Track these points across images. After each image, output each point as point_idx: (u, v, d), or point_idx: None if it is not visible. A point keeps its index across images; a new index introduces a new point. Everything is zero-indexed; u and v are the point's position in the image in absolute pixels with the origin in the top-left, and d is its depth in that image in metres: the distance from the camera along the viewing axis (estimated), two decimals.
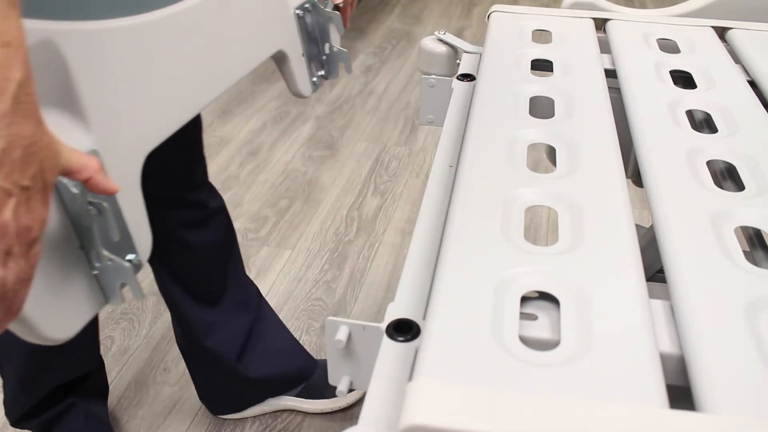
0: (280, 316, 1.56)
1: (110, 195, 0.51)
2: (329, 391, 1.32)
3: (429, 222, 0.61)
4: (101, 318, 1.56)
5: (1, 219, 0.42)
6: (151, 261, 1.14)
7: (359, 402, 1.36)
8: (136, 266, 0.57)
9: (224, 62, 0.70)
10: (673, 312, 0.47)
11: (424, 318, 0.49)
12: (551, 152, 0.66)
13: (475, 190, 0.57)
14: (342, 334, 0.51)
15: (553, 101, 0.72)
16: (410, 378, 0.42)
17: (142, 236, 0.58)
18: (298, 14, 0.85)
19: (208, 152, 2.23)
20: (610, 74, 0.81)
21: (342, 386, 0.53)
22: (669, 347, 0.45)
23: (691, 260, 0.50)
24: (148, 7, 0.59)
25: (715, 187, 0.58)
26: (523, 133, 0.66)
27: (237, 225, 1.88)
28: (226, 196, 2.00)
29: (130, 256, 0.56)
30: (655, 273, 0.77)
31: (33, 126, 0.42)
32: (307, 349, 1.48)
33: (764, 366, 0.41)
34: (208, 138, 2.30)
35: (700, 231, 0.53)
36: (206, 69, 0.67)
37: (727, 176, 0.72)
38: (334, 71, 0.95)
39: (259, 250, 1.77)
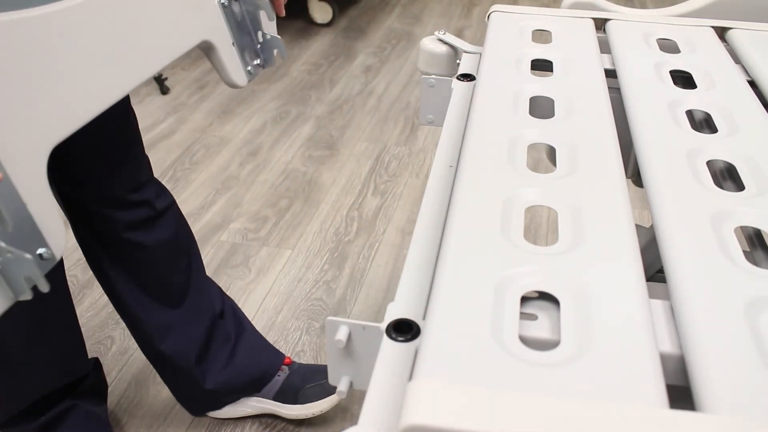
0: (280, 316, 1.56)
1: None
2: (303, 395, 1.30)
3: (429, 222, 0.61)
4: (101, 318, 1.56)
5: None
6: (107, 267, 1.13)
7: (356, 403, 1.36)
8: (48, 260, 0.57)
9: (137, 54, 0.70)
10: (673, 312, 0.47)
11: (424, 318, 0.49)
12: (551, 152, 0.66)
13: (475, 190, 0.57)
14: (342, 334, 0.51)
15: (553, 101, 0.72)
16: (410, 378, 0.42)
17: (53, 230, 0.58)
18: (223, 3, 0.85)
19: (208, 152, 2.23)
20: (610, 74, 0.81)
21: (342, 386, 0.53)
22: (669, 347, 0.45)
23: (691, 260, 0.50)
24: (40, 1, 0.58)
25: (715, 187, 0.58)
26: (523, 133, 0.66)
27: (237, 225, 1.88)
28: (226, 196, 2.00)
29: (40, 250, 0.56)
30: (655, 273, 0.77)
31: None
32: (307, 349, 1.48)
33: (764, 366, 0.41)
34: (208, 138, 2.30)
35: (700, 231, 0.53)
36: (116, 61, 0.67)
37: (727, 176, 0.72)
38: (270, 59, 0.94)
39: (259, 250, 1.77)
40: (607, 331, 0.43)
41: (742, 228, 0.63)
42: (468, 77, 0.89)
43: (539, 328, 0.45)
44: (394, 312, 0.50)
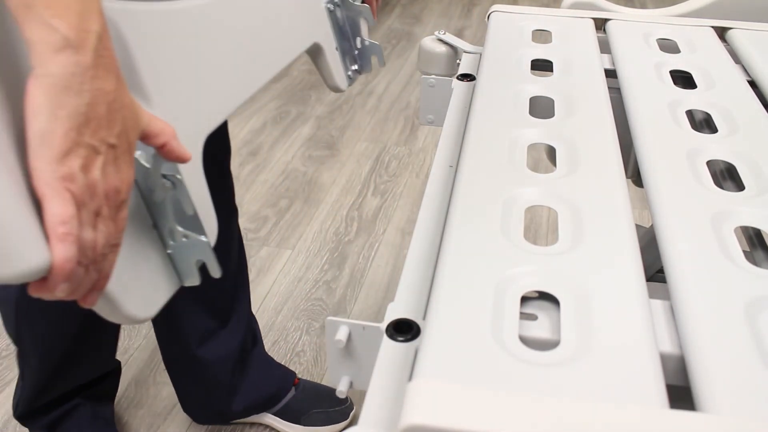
0: (280, 316, 1.56)
1: (184, 162, 0.49)
2: (306, 418, 1.30)
3: (429, 222, 0.61)
4: None
5: (90, 177, 0.40)
6: None
7: (356, 403, 1.36)
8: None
9: (268, 50, 0.71)
10: (673, 312, 0.47)
11: (424, 318, 0.49)
12: (551, 152, 0.66)
13: (475, 190, 0.57)
14: (342, 334, 0.51)
15: (553, 101, 0.72)
16: (410, 378, 0.42)
17: (209, 219, 0.56)
18: (328, 8, 0.86)
19: None
20: (610, 74, 0.81)
21: (342, 386, 0.53)
22: (669, 347, 0.45)
23: (691, 260, 0.50)
24: None
25: (715, 187, 0.58)
26: (523, 133, 0.66)
27: None
28: None
29: (201, 238, 0.54)
30: (655, 273, 0.77)
31: (114, 81, 0.41)
32: (307, 350, 1.48)
33: (764, 366, 0.41)
34: None
35: (700, 231, 0.53)
36: (252, 55, 0.68)
37: (727, 176, 0.72)
38: (367, 65, 0.95)
39: (259, 250, 1.77)
40: (607, 331, 0.43)
41: (742, 228, 0.63)
42: (468, 77, 0.89)
43: (539, 328, 0.45)
44: (394, 312, 0.50)
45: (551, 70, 0.80)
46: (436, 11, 3.50)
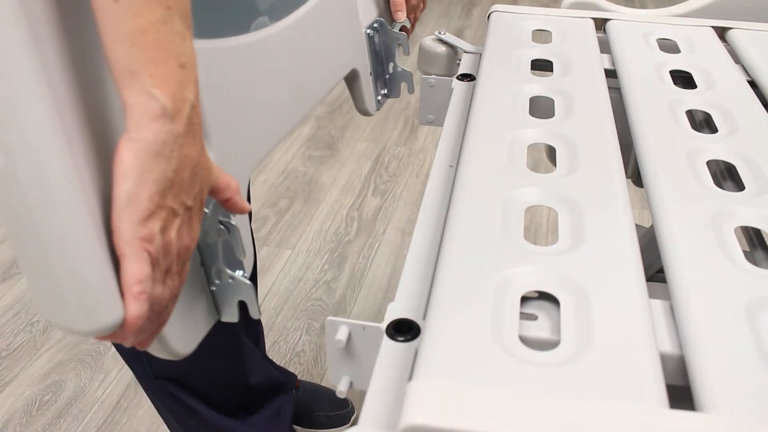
0: (280, 316, 1.56)
1: (243, 214, 0.51)
2: (308, 421, 1.30)
3: (429, 222, 0.61)
4: None
5: (166, 238, 0.42)
6: None
7: (357, 403, 1.36)
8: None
9: (311, 80, 0.72)
10: (673, 312, 0.47)
11: (424, 318, 0.49)
12: (551, 152, 0.66)
13: (475, 190, 0.57)
14: (342, 334, 0.51)
15: (553, 101, 0.72)
16: (410, 378, 0.42)
17: (248, 254, 0.57)
18: (368, 33, 0.86)
19: None
20: (610, 74, 0.81)
21: (342, 386, 0.53)
22: (669, 347, 0.45)
23: (691, 260, 0.50)
24: (256, 27, 0.61)
25: (715, 187, 0.58)
26: (523, 133, 0.66)
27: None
28: None
29: (238, 272, 0.55)
30: (655, 273, 0.77)
31: (199, 147, 0.43)
32: (307, 350, 1.48)
33: (764, 366, 0.41)
34: None
35: (700, 231, 0.53)
36: (297, 87, 0.68)
37: (727, 176, 0.72)
38: (395, 91, 0.95)
39: (259, 250, 1.77)
40: (607, 331, 0.43)
41: (742, 228, 0.63)
42: (468, 77, 0.89)
43: (539, 328, 0.45)
44: (394, 312, 0.50)
45: (551, 70, 0.80)
46: (436, 11, 3.50)
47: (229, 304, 0.54)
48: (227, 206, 0.49)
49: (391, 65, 0.93)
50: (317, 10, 0.71)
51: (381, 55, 0.91)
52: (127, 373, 1.42)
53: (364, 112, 0.90)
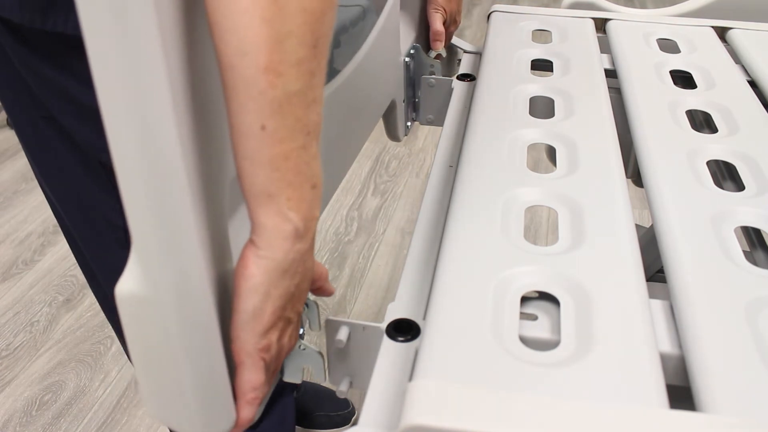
0: None
1: (328, 296, 0.52)
2: (309, 421, 1.30)
3: (429, 222, 0.61)
4: (101, 318, 1.56)
5: (280, 345, 0.44)
6: None
7: (357, 403, 1.36)
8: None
9: (363, 122, 0.72)
10: (673, 312, 0.47)
11: (424, 318, 0.49)
12: (551, 152, 0.66)
13: (475, 190, 0.57)
14: (342, 334, 0.51)
15: (553, 101, 0.72)
16: (410, 378, 0.42)
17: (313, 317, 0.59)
18: (405, 61, 0.86)
19: None
20: (610, 74, 0.81)
21: (342, 386, 0.53)
22: (669, 347, 0.45)
23: (691, 260, 0.49)
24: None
25: (715, 187, 0.58)
26: (523, 133, 0.66)
27: None
28: None
29: (316, 350, 0.56)
30: (655, 273, 0.77)
31: (313, 258, 0.44)
32: None
33: (764, 366, 0.41)
34: None
35: (700, 231, 0.53)
36: (352, 131, 0.69)
37: (727, 176, 0.72)
38: (421, 115, 0.95)
39: None
40: (607, 331, 0.43)
41: (742, 228, 0.63)
42: (468, 77, 0.89)
43: (539, 328, 0.45)
44: (395, 312, 0.50)
45: (551, 70, 0.80)
46: None
47: (295, 368, 0.54)
48: (317, 292, 0.51)
49: (419, 91, 0.92)
50: (370, 56, 0.70)
51: (414, 80, 0.90)
52: (127, 373, 1.42)
53: (395, 139, 0.90)
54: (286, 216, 0.40)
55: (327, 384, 1.36)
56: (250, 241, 0.41)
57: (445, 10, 0.91)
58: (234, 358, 0.43)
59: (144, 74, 0.32)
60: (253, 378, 0.43)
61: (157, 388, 0.41)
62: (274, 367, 0.45)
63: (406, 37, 0.86)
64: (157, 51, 0.32)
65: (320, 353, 0.54)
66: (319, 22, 0.37)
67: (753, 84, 0.78)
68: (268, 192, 0.39)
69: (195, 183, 0.37)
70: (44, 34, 0.57)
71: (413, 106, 0.93)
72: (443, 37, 0.92)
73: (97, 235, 0.75)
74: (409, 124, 0.92)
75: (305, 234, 0.41)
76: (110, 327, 1.53)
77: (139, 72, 0.32)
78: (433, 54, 0.92)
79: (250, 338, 0.42)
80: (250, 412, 0.44)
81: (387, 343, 0.47)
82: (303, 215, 0.40)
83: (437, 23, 0.91)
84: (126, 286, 0.38)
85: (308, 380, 1.36)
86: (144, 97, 0.32)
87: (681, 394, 0.41)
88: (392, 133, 0.89)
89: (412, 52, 0.87)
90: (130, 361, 0.97)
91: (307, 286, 0.45)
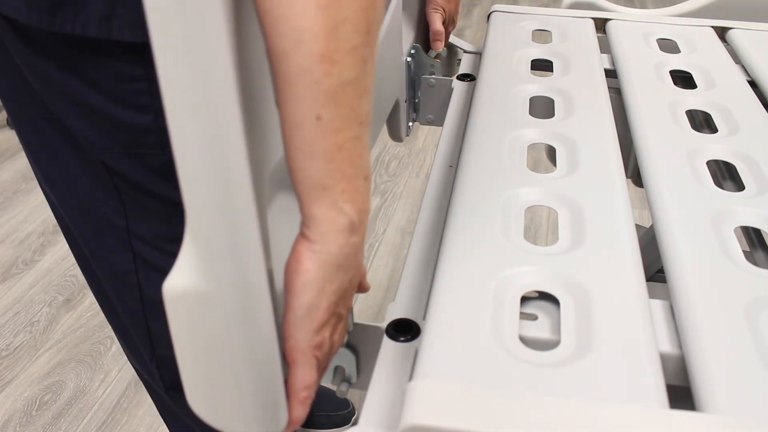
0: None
1: (364, 293, 0.52)
2: (309, 421, 1.30)
3: (429, 222, 0.61)
4: (101, 318, 1.56)
5: (332, 341, 0.43)
6: None
7: (357, 403, 1.36)
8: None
9: (371, 125, 0.72)
10: (673, 312, 0.47)
11: (424, 318, 0.49)
12: (551, 152, 0.66)
13: (475, 190, 0.57)
14: None
15: (553, 101, 0.72)
16: (410, 378, 0.42)
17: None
18: (407, 61, 0.85)
19: None
20: (610, 74, 0.81)
21: (342, 386, 0.53)
22: (669, 347, 0.45)
23: (691, 260, 0.49)
24: None
25: (715, 187, 0.58)
26: (523, 133, 0.66)
27: None
28: None
29: (349, 351, 0.55)
30: (655, 273, 0.77)
31: (363, 253, 0.44)
32: None
33: (764, 366, 0.41)
34: None
35: (700, 231, 0.53)
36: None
37: (727, 176, 0.72)
38: (421, 115, 0.95)
39: None
40: (607, 331, 0.43)
41: (742, 228, 0.63)
42: (468, 77, 0.89)
43: (539, 328, 0.45)
44: (395, 312, 0.50)
45: (551, 70, 0.80)
46: None
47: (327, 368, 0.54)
48: (358, 289, 0.50)
49: (419, 92, 0.92)
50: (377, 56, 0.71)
51: (414, 80, 0.90)
52: (127, 373, 1.42)
53: (397, 139, 0.90)
54: (341, 209, 0.39)
55: (327, 384, 1.37)
56: (303, 235, 0.40)
57: (444, 10, 0.91)
58: (287, 357, 0.42)
59: (210, 69, 0.31)
60: (307, 377, 0.42)
61: (210, 389, 0.40)
62: (325, 365, 0.45)
63: (407, 37, 0.86)
64: (224, 45, 0.31)
65: (353, 355, 0.53)
66: (372, 7, 0.37)
67: (753, 84, 0.78)
68: (323, 184, 0.38)
69: (252, 177, 0.36)
70: (50, 35, 0.57)
71: (414, 107, 0.93)
72: (443, 37, 0.92)
73: (98, 236, 0.75)
74: (410, 124, 0.92)
75: (359, 227, 0.40)
76: (110, 327, 1.53)
77: (205, 66, 0.31)
78: (432, 54, 0.93)
79: (304, 336, 0.41)
80: (302, 412, 0.43)
81: (387, 343, 0.47)
82: (357, 207, 0.40)
83: (437, 23, 0.91)
84: (180, 283, 0.36)
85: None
86: (210, 92, 0.31)
87: (681, 394, 0.41)
88: (395, 134, 0.89)
89: (412, 52, 0.87)
90: (131, 362, 0.98)
91: (357, 282, 0.44)
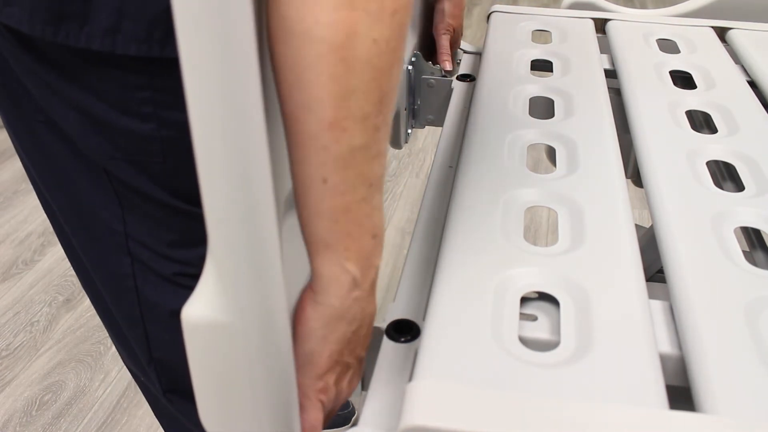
0: None
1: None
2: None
3: (429, 222, 0.61)
4: None
5: (338, 388, 0.45)
6: None
7: (357, 403, 1.36)
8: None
9: None
10: (673, 312, 0.47)
11: (424, 318, 0.49)
12: (551, 152, 0.66)
13: (475, 190, 0.57)
14: None
15: (552, 101, 0.72)
16: (410, 378, 0.42)
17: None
18: (408, 69, 0.85)
19: None
20: (610, 74, 0.81)
21: None
22: (669, 347, 0.45)
23: (691, 260, 0.49)
24: None
25: (715, 187, 0.58)
26: (522, 134, 0.66)
27: None
28: None
29: None
30: (655, 273, 0.77)
31: (375, 304, 0.45)
32: None
33: (764, 366, 0.41)
34: None
35: (700, 231, 0.53)
36: None
37: (727, 176, 0.72)
38: (420, 122, 0.95)
39: None
40: (607, 331, 0.43)
41: (742, 228, 0.63)
42: (468, 77, 0.89)
43: (539, 329, 0.45)
44: (395, 312, 0.50)
45: (551, 70, 0.80)
46: None
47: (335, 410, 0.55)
48: None
49: (418, 99, 0.92)
50: None
51: (414, 88, 0.90)
52: (127, 374, 1.42)
53: (396, 146, 0.90)
54: (344, 266, 0.40)
55: None
56: (309, 287, 0.41)
57: (453, 30, 0.92)
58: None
59: (241, 100, 0.31)
60: (312, 418, 0.44)
61: (226, 416, 0.40)
62: (331, 407, 0.46)
63: (408, 45, 0.86)
64: (254, 74, 0.31)
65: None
66: (386, 77, 0.37)
67: (753, 84, 0.78)
68: (327, 242, 0.39)
69: (276, 208, 0.36)
70: (54, 45, 0.57)
71: (413, 113, 0.93)
72: (451, 57, 0.93)
73: (97, 240, 0.75)
74: (409, 131, 0.92)
75: (363, 282, 0.41)
76: None
77: (235, 96, 0.30)
78: (439, 69, 0.92)
79: (307, 381, 0.43)
80: None
81: (387, 343, 0.47)
82: (360, 266, 0.41)
83: (447, 44, 0.91)
84: (201, 313, 0.35)
85: None
86: (242, 134, 0.31)
87: (681, 395, 0.41)
88: (395, 141, 0.89)
89: (413, 59, 0.87)
90: (126, 365, 0.97)
91: (367, 332, 0.45)
